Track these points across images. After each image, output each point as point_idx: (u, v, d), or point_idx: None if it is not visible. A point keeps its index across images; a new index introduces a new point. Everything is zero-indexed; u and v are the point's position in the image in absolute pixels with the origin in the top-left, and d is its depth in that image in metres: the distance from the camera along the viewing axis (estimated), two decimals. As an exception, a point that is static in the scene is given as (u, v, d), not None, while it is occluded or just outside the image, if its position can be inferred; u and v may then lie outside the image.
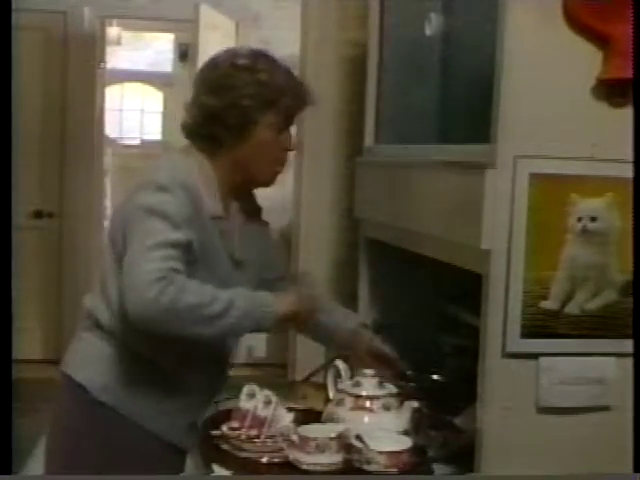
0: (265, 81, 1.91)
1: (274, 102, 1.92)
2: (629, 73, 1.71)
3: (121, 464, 1.88)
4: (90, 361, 1.92)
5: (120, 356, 1.88)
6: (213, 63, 2.00)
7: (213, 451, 1.92)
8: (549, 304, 1.76)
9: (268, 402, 1.93)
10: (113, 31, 7.76)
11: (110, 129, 7.79)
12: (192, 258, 1.79)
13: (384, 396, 1.97)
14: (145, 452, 1.91)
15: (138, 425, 1.89)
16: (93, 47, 6.10)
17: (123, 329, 1.84)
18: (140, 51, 9.60)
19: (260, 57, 1.96)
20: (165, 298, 1.68)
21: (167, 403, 1.92)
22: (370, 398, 1.96)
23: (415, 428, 1.94)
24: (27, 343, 5.37)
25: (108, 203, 7.54)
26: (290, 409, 1.97)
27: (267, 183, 2.00)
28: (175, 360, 1.90)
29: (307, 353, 2.86)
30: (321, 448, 1.81)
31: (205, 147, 1.93)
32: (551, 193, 1.74)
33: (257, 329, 1.86)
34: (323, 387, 2.15)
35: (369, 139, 2.58)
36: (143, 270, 1.69)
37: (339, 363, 2.08)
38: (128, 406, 1.88)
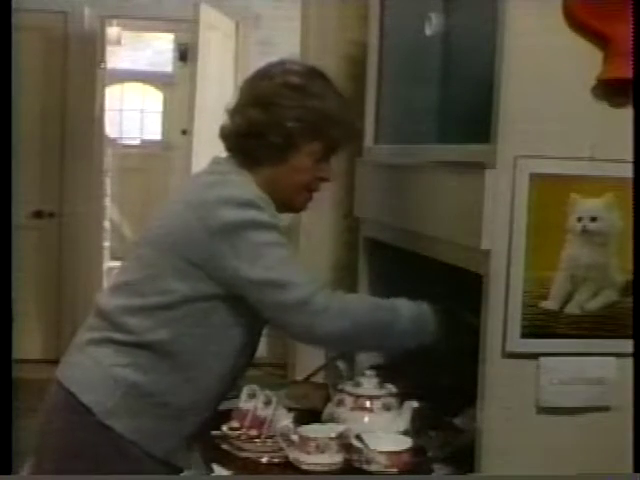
0: (316, 108, 1.87)
1: (321, 132, 1.89)
2: (629, 73, 1.71)
3: None
4: (98, 382, 1.83)
5: (134, 378, 1.82)
6: (266, 74, 1.93)
7: (213, 451, 1.92)
8: (549, 304, 1.76)
9: (268, 402, 1.93)
10: (113, 31, 7.76)
11: (110, 129, 7.78)
12: None
13: (384, 396, 1.97)
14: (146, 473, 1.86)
15: (138, 447, 1.83)
16: (93, 47, 6.11)
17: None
18: (140, 51, 9.61)
19: (315, 78, 1.92)
20: (333, 309, 1.81)
21: (172, 428, 1.88)
22: (370, 398, 1.96)
23: (415, 428, 1.95)
24: (27, 343, 5.37)
25: (108, 203, 7.55)
26: (290, 409, 1.97)
27: (297, 209, 2.00)
28: (191, 392, 1.87)
29: (307, 353, 2.86)
30: (321, 448, 1.81)
31: (245, 161, 1.90)
32: (551, 193, 1.74)
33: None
34: (323, 387, 2.15)
35: (369, 139, 2.58)
36: (294, 287, 1.78)
37: (339, 363, 2.08)
38: (133, 430, 1.82)
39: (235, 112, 1.93)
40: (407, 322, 1.90)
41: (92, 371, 1.85)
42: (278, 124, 1.86)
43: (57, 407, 1.89)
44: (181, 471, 1.96)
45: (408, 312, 1.91)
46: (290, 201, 1.94)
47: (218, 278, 1.81)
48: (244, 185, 1.86)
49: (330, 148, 1.93)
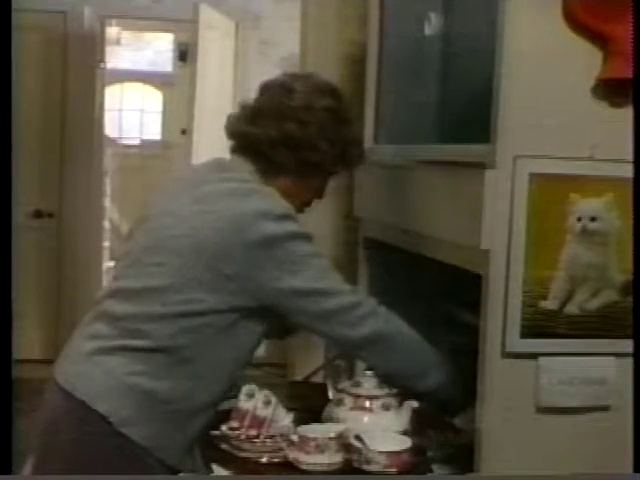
0: (347, 135, 1.94)
1: (345, 157, 1.96)
2: (629, 73, 1.71)
3: None
4: (114, 391, 1.79)
5: (150, 385, 1.79)
6: (294, 91, 1.93)
7: (213, 451, 1.92)
8: (549, 304, 1.76)
9: (267, 402, 1.93)
10: (113, 31, 7.76)
11: (110, 129, 7.78)
12: None
13: (384, 396, 1.97)
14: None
15: (151, 453, 1.80)
16: (93, 47, 6.11)
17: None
18: (140, 51, 9.61)
19: (342, 101, 1.97)
20: (380, 315, 1.89)
21: (182, 432, 1.85)
22: (370, 398, 1.96)
23: (415, 428, 1.94)
24: (27, 343, 5.37)
25: (108, 203, 7.55)
26: (290, 409, 1.97)
27: None
28: (211, 389, 1.86)
29: (307, 353, 2.86)
30: (321, 448, 1.81)
31: (261, 166, 1.91)
32: (551, 193, 1.74)
33: None
34: (323, 387, 2.15)
35: (369, 139, 2.57)
36: (340, 292, 1.84)
37: (339, 363, 2.08)
38: (147, 437, 1.79)
39: (262, 117, 1.92)
40: (439, 359, 1.99)
41: (105, 380, 1.81)
42: (313, 143, 1.89)
43: (66, 418, 1.83)
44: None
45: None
46: None
47: (252, 291, 1.80)
48: (276, 196, 1.87)
49: (344, 170, 2.00)
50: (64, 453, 1.83)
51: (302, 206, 1.99)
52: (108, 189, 7.50)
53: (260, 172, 1.91)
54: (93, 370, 1.83)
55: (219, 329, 1.81)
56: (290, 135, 1.89)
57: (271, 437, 1.89)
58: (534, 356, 1.77)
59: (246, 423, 1.93)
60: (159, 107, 9.73)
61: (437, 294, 2.42)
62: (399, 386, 2.00)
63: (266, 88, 1.99)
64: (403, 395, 1.99)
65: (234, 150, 1.97)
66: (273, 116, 1.91)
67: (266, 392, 1.96)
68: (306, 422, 1.91)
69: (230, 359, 1.86)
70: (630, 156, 1.75)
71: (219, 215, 1.81)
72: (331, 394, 2.06)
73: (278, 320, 1.89)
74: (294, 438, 1.83)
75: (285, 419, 1.91)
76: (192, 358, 1.81)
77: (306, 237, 1.84)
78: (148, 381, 1.80)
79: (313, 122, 1.89)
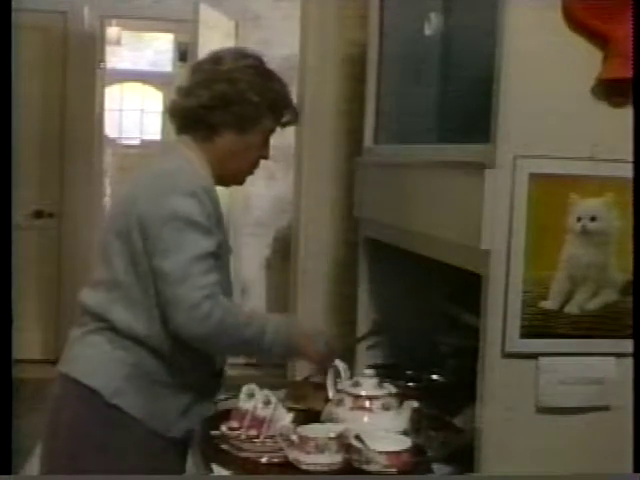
0: (275, 89, 2.04)
1: (277, 110, 2.04)
2: (629, 73, 1.71)
3: (127, 463, 1.90)
4: (102, 365, 1.93)
5: (134, 359, 1.91)
6: (223, 58, 2.06)
7: (213, 451, 1.92)
8: (549, 304, 1.76)
9: (267, 402, 1.93)
10: (113, 31, 7.76)
11: (110, 129, 7.79)
12: (219, 257, 1.93)
13: (383, 396, 1.97)
14: (150, 449, 1.94)
15: (142, 424, 1.92)
16: (93, 47, 6.10)
17: (156, 335, 1.90)
18: (140, 51, 9.61)
19: (267, 65, 2.07)
20: (213, 319, 1.84)
21: (173, 402, 1.96)
22: (369, 398, 1.96)
23: (415, 428, 1.94)
24: (27, 343, 5.37)
25: (108, 203, 7.55)
26: (290, 409, 1.97)
27: (240, 183, 2.13)
28: (190, 361, 1.95)
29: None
30: (321, 448, 1.81)
31: (201, 134, 2.01)
32: (551, 193, 1.74)
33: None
34: (323, 387, 2.15)
35: (368, 139, 2.58)
36: (190, 286, 1.84)
37: (339, 363, 2.08)
38: (137, 407, 1.91)
39: (195, 88, 2.02)
40: (270, 339, 1.95)
41: (95, 356, 1.94)
42: (245, 97, 1.98)
43: (65, 398, 1.96)
44: (181, 442, 1.99)
45: (272, 329, 1.97)
46: (237, 176, 2.09)
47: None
48: (183, 174, 1.94)
49: (278, 127, 2.07)
50: (65, 430, 1.94)
51: (249, 168, 2.08)
52: (108, 189, 7.50)
53: (200, 139, 2.01)
54: (84, 350, 1.97)
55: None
56: (222, 94, 1.98)
57: (271, 437, 1.89)
58: (534, 356, 1.77)
59: (246, 423, 1.92)
60: (159, 107, 9.74)
61: (437, 294, 2.42)
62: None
63: (196, 66, 2.11)
64: (403, 395, 1.99)
65: (177, 130, 2.11)
66: (205, 83, 2.01)
67: (266, 392, 1.95)
68: (306, 422, 1.91)
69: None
70: (630, 156, 1.75)
71: (135, 196, 1.93)
72: (331, 394, 2.05)
73: None
74: (294, 438, 1.83)
75: (285, 419, 1.91)
76: (158, 344, 1.90)
77: (187, 219, 1.86)
78: (130, 356, 1.91)
79: (241, 79, 1.99)
